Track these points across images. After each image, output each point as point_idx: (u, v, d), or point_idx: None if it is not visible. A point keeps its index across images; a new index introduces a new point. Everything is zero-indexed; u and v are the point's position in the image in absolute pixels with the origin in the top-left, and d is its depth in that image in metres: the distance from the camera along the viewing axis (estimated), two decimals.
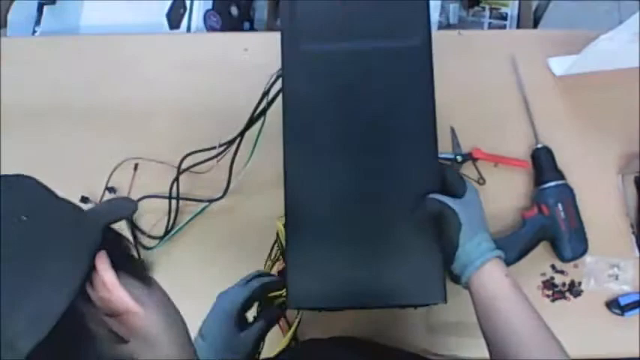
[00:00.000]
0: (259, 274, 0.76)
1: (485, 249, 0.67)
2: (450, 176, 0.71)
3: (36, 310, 0.38)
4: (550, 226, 0.86)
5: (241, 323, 0.71)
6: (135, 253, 0.53)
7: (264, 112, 0.84)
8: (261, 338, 0.72)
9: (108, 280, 0.43)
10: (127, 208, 0.53)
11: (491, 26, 1.43)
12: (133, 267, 0.48)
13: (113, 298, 0.43)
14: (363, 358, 0.73)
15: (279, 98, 0.77)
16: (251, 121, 0.85)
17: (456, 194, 0.69)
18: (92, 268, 0.43)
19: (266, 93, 0.82)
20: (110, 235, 0.47)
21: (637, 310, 0.85)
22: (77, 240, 0.43)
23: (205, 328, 0.71)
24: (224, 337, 0.70)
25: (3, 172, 0.44)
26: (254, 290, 0.72)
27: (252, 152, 0.86)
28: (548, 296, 0.87)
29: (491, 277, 0.66)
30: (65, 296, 0.39)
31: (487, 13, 1.44)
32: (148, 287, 0.48)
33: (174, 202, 0.94)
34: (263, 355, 0.74)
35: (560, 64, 0.96)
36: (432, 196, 0.68)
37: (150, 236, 0.94)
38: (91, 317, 0.42)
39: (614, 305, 0.86)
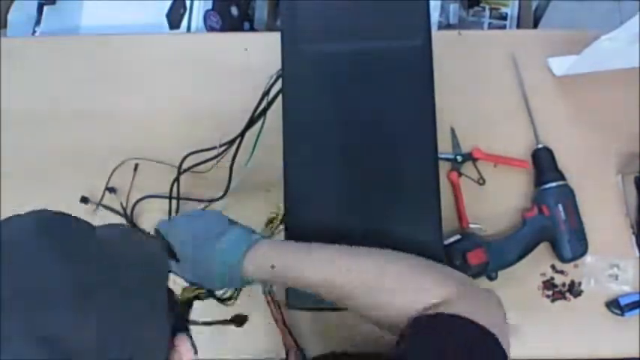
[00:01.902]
0: None
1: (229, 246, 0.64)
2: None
3: None
4: (550, 227, 0.86)
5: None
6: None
7: (264, 112, 0.84)
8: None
9: None
10: (165, 261, 0.55)
11: (491, 26, 1.43)
12: (187, 328, 0.51)
13: None
14: None
15: (279, 98, 0.77)
16: (251, 121, 0.85)
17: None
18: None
19: (266, 93, 0.82)
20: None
21: (637, 310, 0.85)
22: (162, 313, 0.45)
23: None
24: None
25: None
26: None
27: (252, 152, 0.86)
28: (548, 296, 0.87)
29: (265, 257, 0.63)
30: None
31: (487, 13, 1.44)
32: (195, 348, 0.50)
33: (174, 202, 0.93)
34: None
35: (560, 64, 0.96)
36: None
37: (150, 236, 0.94)
38: None
39: (614, 305, 0.86)
